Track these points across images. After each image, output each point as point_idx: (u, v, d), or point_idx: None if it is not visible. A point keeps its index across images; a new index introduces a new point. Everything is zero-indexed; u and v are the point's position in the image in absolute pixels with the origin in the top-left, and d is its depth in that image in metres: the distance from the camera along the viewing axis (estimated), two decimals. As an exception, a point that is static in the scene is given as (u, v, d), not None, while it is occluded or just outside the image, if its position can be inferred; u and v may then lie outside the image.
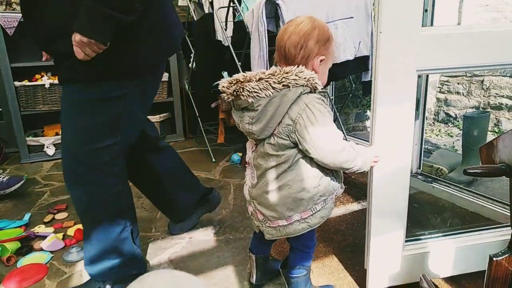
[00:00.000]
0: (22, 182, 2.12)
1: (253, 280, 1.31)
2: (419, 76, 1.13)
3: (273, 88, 0.95)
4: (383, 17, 1.03)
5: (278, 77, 0.95)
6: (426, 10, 1.74)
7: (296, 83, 0.95)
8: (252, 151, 1.08)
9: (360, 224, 1.69)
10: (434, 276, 1.29)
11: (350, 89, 2.86)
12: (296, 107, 0.96)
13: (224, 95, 1.02)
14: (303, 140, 0.97)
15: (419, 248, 1.26)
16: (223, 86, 1.02)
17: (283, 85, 0.95)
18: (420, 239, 1.30)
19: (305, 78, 0.95)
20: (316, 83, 0.97)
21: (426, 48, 1.06)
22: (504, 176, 0.80)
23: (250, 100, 0.96)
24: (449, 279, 1.30)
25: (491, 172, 0.79)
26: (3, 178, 2.10)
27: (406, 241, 1.25)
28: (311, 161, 1.01)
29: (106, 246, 1.22)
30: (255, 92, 0.95)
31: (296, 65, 0.97)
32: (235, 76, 0.99)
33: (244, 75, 0.98)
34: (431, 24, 1.77)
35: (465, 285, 1.27)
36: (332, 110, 1.15)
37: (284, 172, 1.01)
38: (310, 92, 0.98)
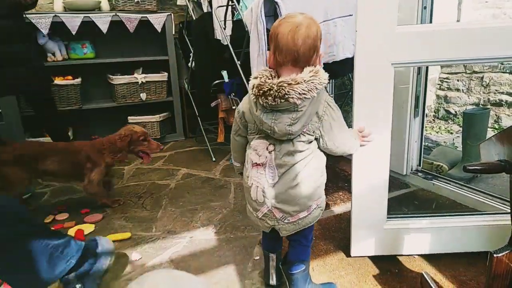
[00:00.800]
0: None
1: (273, 281, 1.28)
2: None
3: (317, 89, 0.97)
4: (359, 17, 1.17)
5: (319, 81, 0.97)
6: (425, 8, 1.74)
7: (323, 86, 0.99)
8: (270, 151, 1.06)
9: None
10: (412, 252, 1.41)
11: (350, 87, 2.85)
12: (320, 105, 1.02)
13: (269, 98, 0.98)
14: (326, 134, 1.05)
15: (400, 224, 1.39)
16: (251, 85, 1.02)
17: (316, 88, 0.97)
18: (401, 217, 1.42)
19: (324, 78, 0.98)
20: (326, 80, 0.99)
21: (400, 44, 1.19)
22: (503, 173, 0.80)
23: (298, 102, 0.96)
24: (444, 268, 1.30)
25: (491, 169, 0.79)
26: None
27: (388, 217, 1.38)
28: (322, 151, 1.10)
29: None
30: (304, 94, 0.96)
31: (313, 66, 1.00)
32: (282, 79, 0.97)
33: (288, 78, 0.97)
34: (430, 21, 1.76)
35: (463, 273, 1.27)
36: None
37: (307, 165, 1.06)
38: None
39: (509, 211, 1.01)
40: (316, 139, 1.06)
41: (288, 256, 1.22)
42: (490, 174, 1.97)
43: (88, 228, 1.76)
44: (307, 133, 1.03)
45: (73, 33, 2.62)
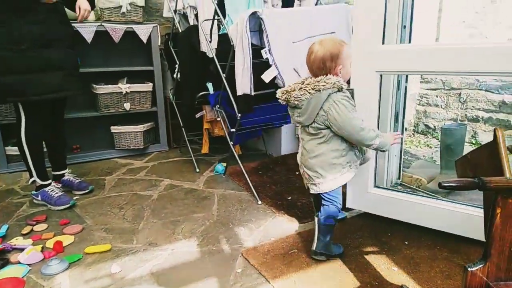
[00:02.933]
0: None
1: (314, 246, 1.53)
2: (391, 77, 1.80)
3: (309, 92, 1.41)
4: (353, 36, 1.71)
5: (311, 85, 1.41)
6: (404, 27, 1.80)
7: (325, 87, 1.39)
8: (301, 132, 1.55)
9: (352, 230, 1.72)
10: (391, 216, 1.78)
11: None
12: (327, 104, 1.40)
13: (280, 100, 1.50)
14: (333, 124, 1.41)
15: (383, 192, 1.80)
16: (278, 96, 1.51)
17: (315, 90, 1.40)
18: (385, 188, 1.87)
19: (331, 83, 1.39)
20: (341, 84, 1.40)
21: (383, 57, 1.65)
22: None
23: (296, 102, 1.45)
24: (424, 281, 1.33)
25: (465, 186, 0.82)
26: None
27: (376, 186, 1.83)
28: (342, 138, 1.45)
29: None
30: (298, 97, 1.43)
31: (324, 75, 1.42)
32: (284, 88, 1.49)
33: (289, 87, 1.46)
34: (409, 40, 1.83)
35: (440, 286, 1.31)
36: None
37: (319, 145, 1.47)
38: (338, 91, 1.41)
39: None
40: (328, 127, 1.43)
41: (321, 213, 1.53)
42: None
43: (67, 240, 1.72)
44: (317, 122, 1.44)
45: (57, 41, 2.59)
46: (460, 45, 1.49)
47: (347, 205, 1.88)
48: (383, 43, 1.65)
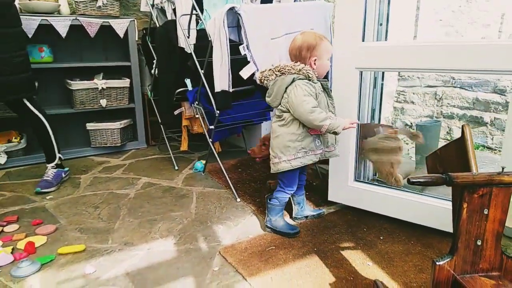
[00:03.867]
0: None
1: (265, 221, 1.76)
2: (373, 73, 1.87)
3: (275, 74, 1.55)
4: (335, 34, 1.79)
5: (279, 68, 1.55)
6: (380, 24, 1.82)
7: (290, 72, 1.53)
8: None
9: (319, 230, 1.73)
10: (368, 209, 1.85)
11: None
12: (290, 87, 1.53)
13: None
14: (290, 106, 1.53)
15: (363, 186, 1.87)
16: (256, 76, 1.72)
17: (281, 73, 1.54)
18: (365, 182, 1.93)
19: (297, 69, 1.52)
20: (308, 72, 1.53)
21: (363, 55, 1.71)
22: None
23: (265, 82, 1.60)
24: (397, 275, 1.35)
25: (433, 182, 0.84)
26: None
27: (355, 180, 1.90)
28: (300, 123, 1.55)
29: None
30: (266, 77, 1.58)
31: (297, 62, 1.56)
32: (261, 69, 1.67)
33: (264, 69, 1.61)
34: (386, 37, 1.85)
35: (413, 279, 1.34)
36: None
37: (280, 127, 1.60)
38: (305, 78, 1.53)
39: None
40: (289, 110, 1.54)
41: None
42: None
43: (39, 241, 1.67)
44: (281, 105, 1.57)
45: (29, 36, 2.51)
46: (438, 43, 1.52)
47: (329, 198, 1.97)
48: (363, 40, 1.71)
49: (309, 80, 1.53)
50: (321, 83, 1.59)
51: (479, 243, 0.86)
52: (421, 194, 1.75)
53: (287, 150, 1.58)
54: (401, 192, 1.78)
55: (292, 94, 1.51)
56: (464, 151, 0.90)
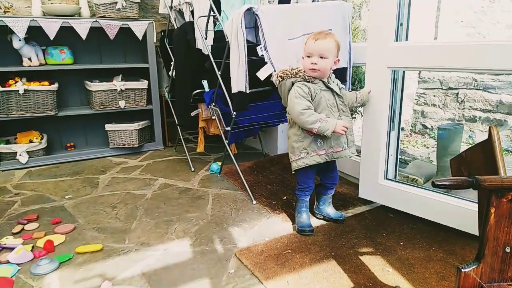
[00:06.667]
0: None
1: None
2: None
3: (279, 80, 1.64)
4: (369, 36, 1.85)
5: (281, 73, 1.63)
6: (401, 24, 1.78)
7: (288, 76, 1.61)
8: None
9: (337, 234, 1.70)
10: (398, 208, 1.87)
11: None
12: (291, 90, 1.61)
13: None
14: (287, 109, 1.62)
15: (393, 185, 1.89)
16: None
17: (282, 78, 1.63)
18: (396, 181, 1.94)
19: (294, 72, 1.60)
20: (304, 74, 1.59)
21: (394, 54, 1.76)
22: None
23: (276, 82, 1.69)
24: (418, 282, 1.31)
25: (459, 185, 0.80)
26: None
27: (387, 179, 1.92)
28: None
29: None
30: (275, 79, 1.67)
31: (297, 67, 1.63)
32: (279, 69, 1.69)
33: (276, 72, 1.67)
34: (406, 37, 1.81)
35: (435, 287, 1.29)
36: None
37: (289, 129, 1.70)
38: (302, 80, 1.59)
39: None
40: None
41: None
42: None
43: (58, 239, 1.70)
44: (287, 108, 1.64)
45: (51, 38, 2.56)
46: (475, 43, 1.53)
47: (359, 195, 2.02)
48: (396, 40, 1.75)
49: (307, 81, 1.59)
50: (323, 82, 1.62)
51: (507, 250, 0.82)
52: (454, 196, 1.71)
53: (293, 151, 1.66)
54: (432, 193, 1.75)
55: (289, 97, 1.59)
56: (492, 153, 0.86)
